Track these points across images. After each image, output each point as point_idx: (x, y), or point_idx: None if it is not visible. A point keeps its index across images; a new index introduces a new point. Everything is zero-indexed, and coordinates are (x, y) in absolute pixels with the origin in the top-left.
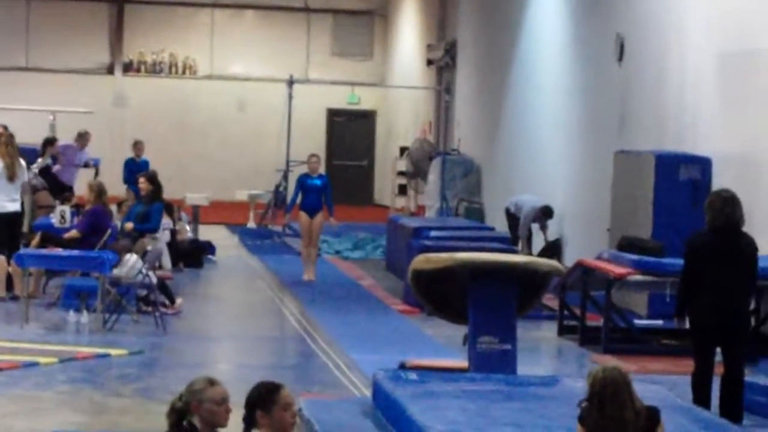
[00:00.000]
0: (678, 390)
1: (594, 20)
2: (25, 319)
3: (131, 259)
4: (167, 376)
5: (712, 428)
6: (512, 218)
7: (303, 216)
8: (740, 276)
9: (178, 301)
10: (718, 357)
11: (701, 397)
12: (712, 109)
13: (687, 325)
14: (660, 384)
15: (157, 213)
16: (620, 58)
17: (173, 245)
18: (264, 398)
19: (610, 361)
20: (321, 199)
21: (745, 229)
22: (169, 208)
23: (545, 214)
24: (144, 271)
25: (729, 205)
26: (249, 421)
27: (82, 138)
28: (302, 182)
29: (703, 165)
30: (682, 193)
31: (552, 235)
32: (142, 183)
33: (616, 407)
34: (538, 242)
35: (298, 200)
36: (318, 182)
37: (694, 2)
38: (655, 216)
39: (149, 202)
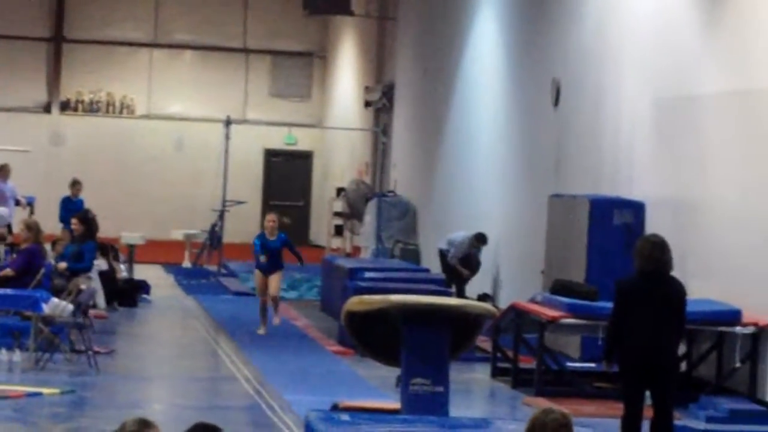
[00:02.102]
0: None
1: (530, 64)
2: None
3: (61, 304)
4: (99, 416)
5: None
6: (446, 258)
7: (258, 275)
8: (669, 319)
9: None
10: (648, 400)
11: None
12: (647, 154)
13: (615, 369)
14: (592, 427)
15: (89, 252)
16: (556, 102)
17: (109, 285)
18: None
19: (543, 403)
20: (279, 260)
21: (678, 273)
22: (104, 248)
23: (479, 240)
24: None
25: (658, 249)
26: None
27: (2, 170)
28: (262, 244)
29: (637, 209)
30: (616, 237)
31: (484, 283)
32: (75, 224)
33: None
34: (470, 288)
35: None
36: (277, 244)
37: (629, 48)
38: (588, 259)
39: (82, 241)
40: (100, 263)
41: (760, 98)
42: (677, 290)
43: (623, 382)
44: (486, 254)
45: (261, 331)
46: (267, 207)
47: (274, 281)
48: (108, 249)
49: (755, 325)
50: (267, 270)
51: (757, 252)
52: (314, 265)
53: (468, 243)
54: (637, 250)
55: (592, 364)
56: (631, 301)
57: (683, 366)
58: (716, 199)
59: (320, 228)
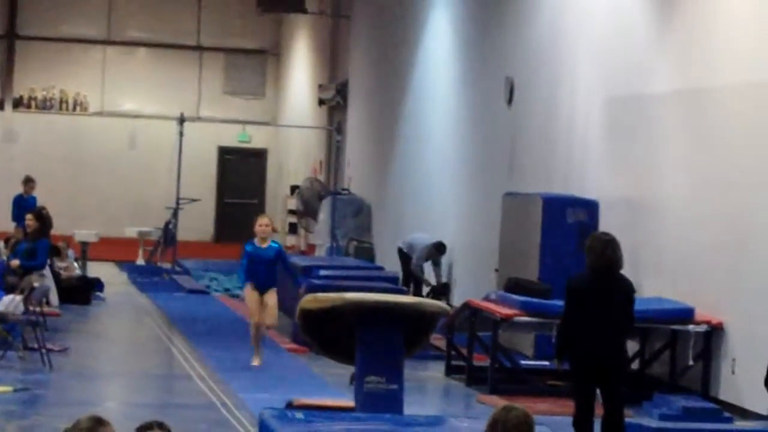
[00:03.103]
0: (563, 431)
1: (484, 63)
2: None
3: (14, 301)
4: (53, 414)
5: None
6: (405, 257)
7: (250, 292)
8: (620, 317)
9: None
10: (599, 398)
11: None
12: (600, 152)
13: (566, 366)
14: (546, 425)
15: (43, 250)
16: (510, 100)
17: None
18: None
19: (497, 401)
20: (274, 273)
21: (631, 271)
22: (53, 249)
23: (438, 250)
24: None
25: (610, 247)
26: None
27: None
28: (250, 253)
29: (590, 208)
30: (569, 236)
31: (442, 277)
32: (29, 220)
33: None
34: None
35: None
36: (271, 253)
37: (583, 47)
38: (542, 257)
39: (35, 239)
40: None
41: (713, 97)
42: (628, 288)
43: (575, 380)
44: None
45: (256, 362)
46: (221, 205)
47: (271, 303)
48: (57, 249)
49: (708, 323)
50: (261, 285)
51: (710, 250)
52: None
53: (428, 251)
54: (589, 248)
55: (546, 362)
56: (582, 300)
57: (636, 364)
58: (669, 197)
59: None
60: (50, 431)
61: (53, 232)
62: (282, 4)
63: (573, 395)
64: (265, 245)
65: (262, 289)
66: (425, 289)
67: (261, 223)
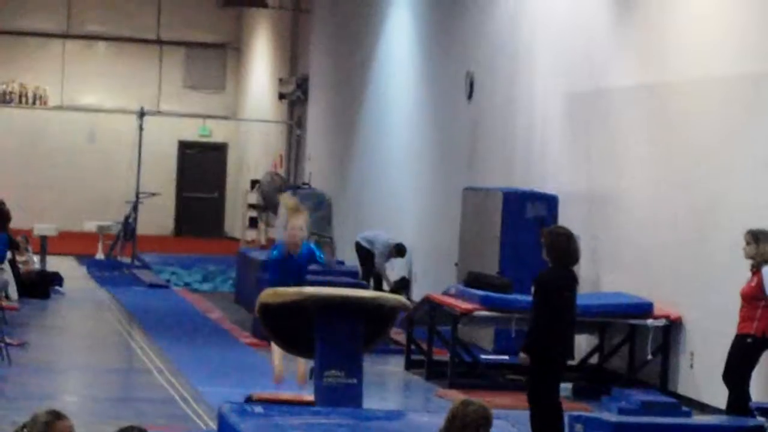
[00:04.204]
0: (521, 426)
1: (445, 58)
2: None
3: None
4: (11, 408)
5: None
6: (363, 252)
7: None
8: (575, 311)
9: None
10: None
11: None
12: (560, 147)
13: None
14: (504, 419)
15: (1, 244)
16: (470, 95)
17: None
18: None
19: (456, 395)
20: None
21: (590, 266)
22: (12, 243)
23: (398, 252)
24: None
25: (573, 242)
26: None
27: None
28: (279, 263)
29: (550, 202)
30: (529, 230)
31: (400, 272)
32: None
33: None
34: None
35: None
36: (303, 260)
37: (543, 42)
38: (501, 252)
39: None
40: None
41: (671, 92)
42: (577, 282)
43: (553, 374)
44: None
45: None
46: (181, 199)
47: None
48: (17, 243)
49: (666, 317)
50: None
51: (668, 245)
52: (229, 257)
53: (389, 251)
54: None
55: (505, 357)
56: (559, 295)
57: (595, 358)
58: (628, 192)
59: (234, 220)
60: (9, 425)
61: (12, 226)
62: None
63: (547, 389)
64: (296, 252)
65: None
66: (385, 284)
67: (294, 226)
